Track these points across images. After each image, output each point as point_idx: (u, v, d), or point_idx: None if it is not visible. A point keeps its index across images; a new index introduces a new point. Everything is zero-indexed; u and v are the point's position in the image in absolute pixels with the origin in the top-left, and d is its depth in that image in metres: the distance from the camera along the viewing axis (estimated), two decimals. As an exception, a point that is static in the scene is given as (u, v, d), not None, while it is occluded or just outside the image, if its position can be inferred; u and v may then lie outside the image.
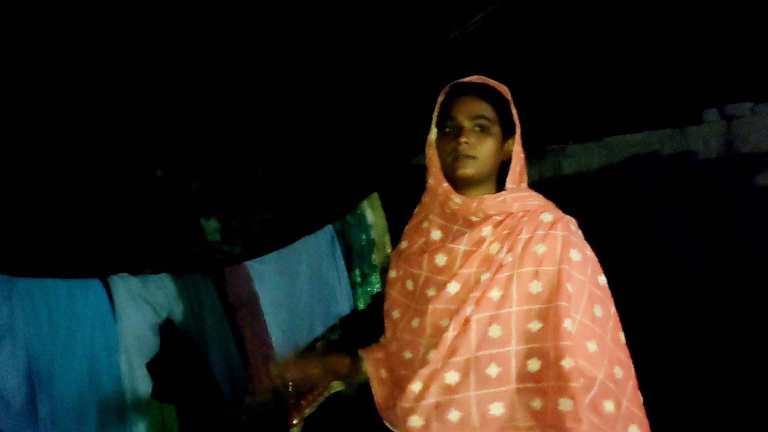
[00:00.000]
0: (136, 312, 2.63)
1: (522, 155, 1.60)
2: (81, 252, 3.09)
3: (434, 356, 1.44)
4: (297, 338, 3.56)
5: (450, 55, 4.26)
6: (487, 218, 1.54)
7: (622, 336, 1.49)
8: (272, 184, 4.51)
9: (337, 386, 4.11)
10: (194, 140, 3.97)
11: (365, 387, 4.22)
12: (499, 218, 1.53)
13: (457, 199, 1.54)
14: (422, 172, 4.97)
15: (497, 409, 1.39)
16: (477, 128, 1.54)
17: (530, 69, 4.13)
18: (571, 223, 1.53)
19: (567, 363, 1.35)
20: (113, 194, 3.43)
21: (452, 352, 1.43)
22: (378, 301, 4.23)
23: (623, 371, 1.43)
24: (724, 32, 3.64)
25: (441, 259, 1.55)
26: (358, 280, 4.10)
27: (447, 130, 1.57)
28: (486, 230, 1.53)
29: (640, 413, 1.44)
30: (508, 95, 1.60)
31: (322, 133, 4.52)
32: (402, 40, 4.07)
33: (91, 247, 3.21)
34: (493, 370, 1.40)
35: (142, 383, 2.62)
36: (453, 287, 1.49)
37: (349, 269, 4.04)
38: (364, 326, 4.29)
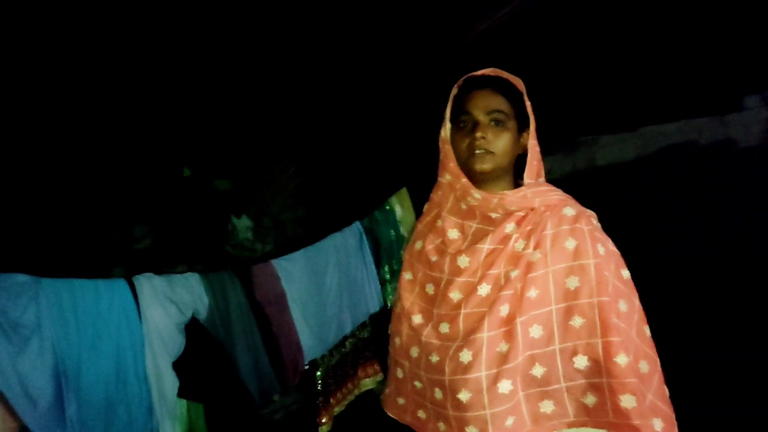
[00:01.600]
0: (161, 311, 2.63)
1: (537, 148, 1.57)
2: (112, 252, 3.11)
3: (472, 359, 1.41)
4: (325, 336, 3.54)
5: (480, 46, 4.19)
6: (507, 215, 1.51)
7: (647, 330, 1.46)
8: (303, 181, 4.50)
9: (368, 384, 4.09)
10: (226, 139, 3.98)
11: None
12: (520, 214, 1.50)
13: (476, 194, 1.51)
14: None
15: (547, 407, 1.41)
16: (493, 123, 1.51)
17: (562, 59, 4.04)
18: (593, 217, 1.51)
19: (621, 360, 1.35)
20: (145, 194, 3.45)
21: (503, 358, 1.40)
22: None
23: (649, 365, 1.41)
24: (765, 15, 3.50)
25: (464, 261, 1.51)
26: (387, 276, 4.06)
27: (462, 125, 1.54)
28: (509, 227, 1.50)
29: (666, 407, 1.42)
30: (522, 88, 1.56)
31: (352, 129, 4.49)
32: (432, 34, 4.02)
33: (122, 247, 3.23)
34: (538, 371, 1.41)
35: (168, 382, 2.63)
36: (484, 289, 1.47)
37: (378, 266, 3.99)
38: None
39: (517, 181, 1.59)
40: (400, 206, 4.19)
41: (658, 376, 1.44)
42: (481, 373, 1.40)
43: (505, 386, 1.39)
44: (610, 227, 1.54)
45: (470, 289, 1.49)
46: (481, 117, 1.52)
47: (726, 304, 3.53)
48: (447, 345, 1.47)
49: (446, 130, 1.58)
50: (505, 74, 1.57)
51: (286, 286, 3.35)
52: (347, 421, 3.83)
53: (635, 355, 1.39)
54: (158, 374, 2.58)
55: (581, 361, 1.39)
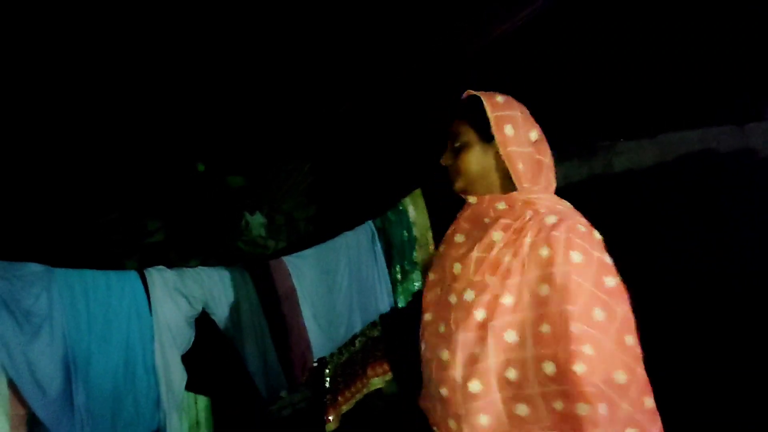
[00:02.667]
0: (172, 304, 2.64)
1: (521, 152, 1.60)
2: (125, 245, 3.13)
3: (449, 358, 1.51)
4: (335, 334, 3.54)
5: (497, 51, 4.18)
6: (496, 220, 1.59)
7: (629, 339, 1.47)
8: (317, 179, 4.51)
9: (377, 384, 4.09)
10: (240, 136, 3.99)
11: (406, 385, 4.17)
12: (506, 221, 1.58)
13: (471, 199, 1.67)
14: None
15: (522, 410, 1.45)
16: (454, 145, 1.66)
17: (582, 63, 4.01)
18: (579, 224, 1.54)
19: (579, 368, 1.38)
20: (159, 188, 3.46)
21: (473, 359, 1.48)
22: (420, 299, 4.17)
23: (627, 375, 1.42)
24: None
25: (457, 268, 1.62)
26: (398, 277, 4.05)
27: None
28: (496, 235, 1.57)
29: (643, 417, 1.43)
30: (485, 102, 1.61)
31: (367, 129, 4.49)
32: (448, 36, 4.01)
33: (135, 240, 3.25)
34: (511, 374, 1.46)
35: (176, 375, 2.64)
36: (469, 295, 1.55)
37: (390, 266, 3.99)
38: (405, 324, 4.25)
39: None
40: (413, 207, 4.19)
41: (637, 388, 1.44)
42: (456, 372, 1.49)
43: (475, 386, 1.47)
44: (625, 233, 1.54)
45: (460, 294, 1.57)
46: (449, 143, 1.68)
47: (742, 314, 3.49)
48: (441, 344, 1.57)
49: None
50: (466, 94, 1.68)
51: (297, 284, 3.35)
52: (355, 420, 3.83)
53: (608, 365, 1.41)
54: (166, 367, 2.59)
55: (550, 368, 1.42)
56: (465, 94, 1.69)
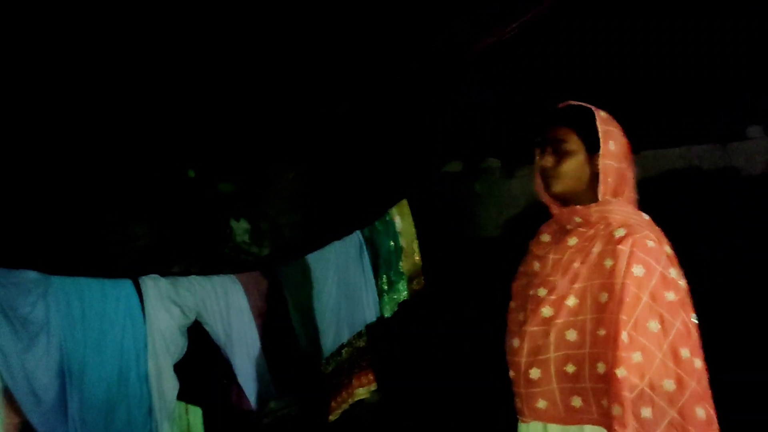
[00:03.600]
0: (165, 313, 2.64)
1: (613, 167, 1.70)
2: (113, 250, 3.11)
3: (518, 346, 1.71)
4: (323, 344, 3.55)
5: (487, 61, 4.23)
6: (575, 228, 1.73)
7: (683, 351, 1.55)
8: (303, 186, 4.52)
9: (362, 394, 4.11)
10: (227, 142, 3.99)
11: (389, 396, 4.18)
12: (582, 229, 1.71)
13: (555, 209, 1.81)
14: (452, 179, 4.95)
15: (576, 402, 1.62)
16: (555, 151, 1.73)
17: (566, 80, 4.08)
18: (648, 239, 1.62)
19: (620, 372, 1.50)
20: (147, 194, 3.44)
21: (537, 350, 1.66)
22: (405, 309, 4.20)
23: (676, 385, 1.51)
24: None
25: (536, 266, 1.79)
26: (385, 287, 4.08)
27: (539, 152, 1.79)
28: (572, 241, 1.72)
29: (693, 426, 1.50)
30: (595, 115, 1.72)
31: (354, 139, 4.51)
32: (436, 47, 4.06)
33: (123, 246, 3.23)
34: (570, 369, 1.62)
35: (169, 383, 2.63)
36: (542, 291, 1.71)
37: (377, 276, 4.01)
38: (391, 334, 4.27)
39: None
40: (400, 217, 4.22)
41: (689, 398, 1.51)
42: (521, 359, 1.69)
43: (535, 373, 1.66)
44: None
45: (536, 289, 1.73)
46: (547, 147, 1.75)
47: (722, 331, 3.57)
48: (516, 331, 1.76)
49: (536, 154, 1.82)
50: (575, 104, 1.76)
51: (287, 292, 3.37)
52: (340, 429, 3.84)
53: (658, 373, 1.52)
54: (159, 376, 2.58)
55: (602, 368, 1.57)
56: (565, 104, 1.77)
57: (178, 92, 3.51)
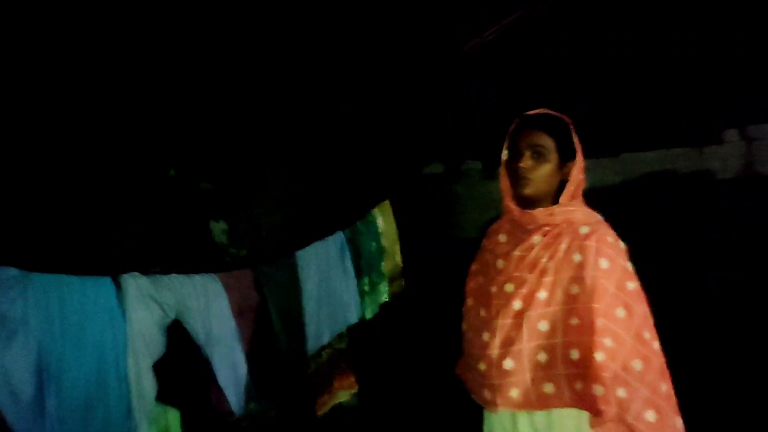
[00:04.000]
0: (146, 311, 2.61)
1: (581, 176, 1.89)
2: (94, 249, 3.08)
3: (488, 339, 1.81)
4: (304, 345, 3.53)
5: (465, 66, 4.27)
6: (538, 228, 1.87)
7: (646, 334, 1.73)
8: (282, 187, 4.51)
9: (343, 396, 4.11)
10: (207, 141, 3.97)
11: (368, 399, 4.19)
12: (547, 229, 1.85)
13: (515, 212, 1.92)
14: (433, 181, 4.99)
15: (549, 388, 1.73)
16: (534, 155, 1.85)
17: (547, 82, 4.12)
18: (608, 235, 1.82)
19: (599, 356, 1.67)
20: (127, 192, 3.42)
21: (509, 341, 1.76)
22: (386, 311, 4.20)
23: (644, 364, 1.69)
24: (747, 53, 3.64)
25: (500, 263, 1.92)
26: (367, 288, 4.07)
27: (513, 155, 1.91)
28: (536, 238, 1.85)
29: (665, 404, 1.68)
30: (570, 124, 1.90)
31: (335, 139, 4.51)
32: (419, 48, 4.08)
33: (103, 243, 3.20)
34: (542, 357, 1.74)
35: (148, 384, 2.60)
36: (509, 287, 1.84)
37: (358, 277, 4.00)
38: (372, 336, 4.27)
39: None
40: (382, 218, 4.22)
41: (654, 375, 1.70)
42: (493, 351, 1.79)
43: (508, 364, 1.76)
44: None
45: (501, 285, 1.87)
46: (525, 150, 1.86)
47: (693, 334, 3.63)
48: (480, 326, 1.89)
49: (504, 157, 1.96)
50: (554, 113, 1.90)
51: (268, 293, 3.35)
52: None
53: (627, 355, 1.68)
54: (138, 375, 2.55)
55: (575, 354, 1.71)
56: (543, 111, 1.90)
57: (159, 91, 3.49)
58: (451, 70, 4.20)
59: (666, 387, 1.71)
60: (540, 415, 1.78)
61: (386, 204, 4.24)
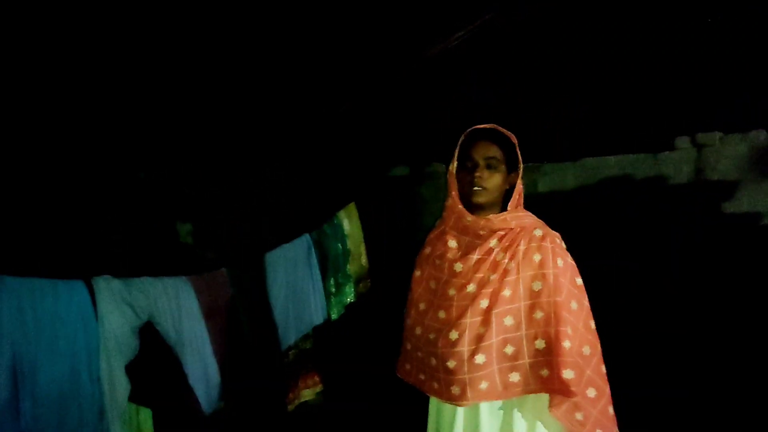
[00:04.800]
0: (118, 314, 2.62)
1: (521, 186, 2.05)
2: (66, 252, 3.07)
3: (458, 337, 1.90)
4: (272, 345, 3.57)
5: (431, 72, 4.35)
6: (491, 233, 2.00)
7: (592, 323, 1.96)
8: (250, 190, 4.53)
9: (307, 395, 4.15)
10: (175, 145, 3.97)
11: (333, 398, 4.23)
12: (501, 233, 2.00)
13: (468, 218, 2.01)
14: (399, 183, 5.07)
15: (515, 377, 1.88)
16: (488, 166, 2.00)
17: (510, 89, 4.24)
18: (557, 237, 2.01)
19: (567, 344, 1.84)
20: (97, 196, 3.41)
21: (480, 338, 1.88)
22: (351, 311, 4.26)
23: (590, 349, 1.91)
24: (698, 65, 3.81)
25: (459, 267, 2.01)
26: (333, 290, 4.12)
27: (466, 165, 2.03)
28: (493, 242, 1.99)
29: (601, 381, 1.93)
30: (515, 140, 2.02)
31: (302, 142, 4.55)
32: (386, 53, 4.14)
33: (75, 246, 3.18)
34: (509, 350, 1.89)
35: (120, 385, 2.61)
36: (471, 287, 1.96)
37: (324, 279, 4.05)
38: (337, 336, 4.32)
39: (504, 209, 2.08)
40: (348, 220, 4.27)
41: (596, 359, 1.93)
42: (464, 348, 1.89)
43: (480, 358, 1.89)
44: None
45: (461, 287, 1.98)
46: (480, 161, 2.00)
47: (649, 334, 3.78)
48: (441, 327, 1.97)
49: (453, 167, 2.05)
50: (501, 129, 2.03)
51: (236, 294, 3.37)
52: (288, 430, 3.87)
53: (580, 342, 1.89)
54: (111, 377, 2.56)
55: (540, 344, 1.88)
56: (492, 126, 2.02)
57: (129, 94, 3.49)
58: (416, 74, 4.28)
59: (604, 368, 1.94)
60: (499, 404, 1.94)
61: (352, 206, 4.29)
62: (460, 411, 1.98)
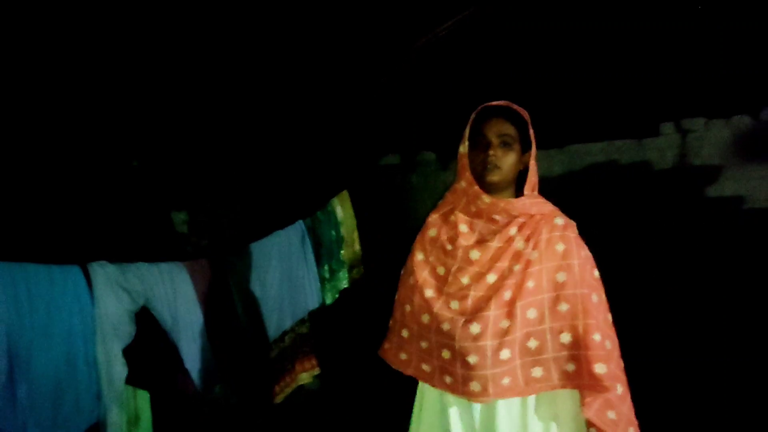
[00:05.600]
0: (114, 298, 2.68)
1: (536, 167, 1.92)
2: (62, 238, 3.11)
3: (480, 331, 1.78)
4: (266, 330, 3.63)
5: (421, 61, 4.39)
6: (510, 219, 1.87)
7: (610, 317, 1.86)
8: (244, 178, 4.57)
9: (305, 378, 4.21)
10: (169, 133, 4.01)
11: (329, 381, 4.28)
12: (521, 220, 1.87)
13: (486, 199, 1.87)
14: (390, 171, 5.10)
15: (537, 372, 1.78)
16: (502, 144, 1.86)
17: (497, 76, 4.27)
18: (575, 226, 1.89)
19: (597, 336, 1.75)
20: (90, 183, 3.44)
21: (504, 332, 1.78)
22: (345, 296, 4.32)
23: (611, 344, 1.80)
24: (682, 52, 3.85)
25: (475, 254, 1.88)
26: (327, 275, 4.17)
27: (478, 144, 1.88)
28: (513, 230, 1.86)
29: (623, 375, 1.83)
30: (528, 118, 1.89)
31: (295, 131, 4.59)
32: (376, 43, 4.18)
33: (70, 232, 3.23)
34: (532, 344, 1.78)
35: (117, 369, 2.67)
36: (491, 277, 1.84)
37: (318, 265, 4.11)
38: (332, 321, 4.38)
39: (517, 192, 1.93)
40: (341, 208, 4.32)
41: (617, 353, 1.83)
42: (487, 342, 1.77)
43: (505, 354, 1.77)
44: None
45: (479, 277, 1.85)
46: (494, 139, 1.85)
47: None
48: (457, 318, 1.82)
49: (465, 147, 1.91)
50: (514, 106, 1.89)
51: (232, 280, 3.44)
52: (284, 414, 3.93)
53: (603, 335, 1.78)
54: (108, 361, 2.62)
55: (566, 338, 1.77)
56: (506, 103, 1.90)
57: (123, 83, 3.52)
58: (406, 64, 4.32)
59: (622, 363, 1.85)
60: (517, 402, 1.83)
61: (345, 194, 4.33)
62: (477, 408, 1.84)
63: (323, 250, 4.15)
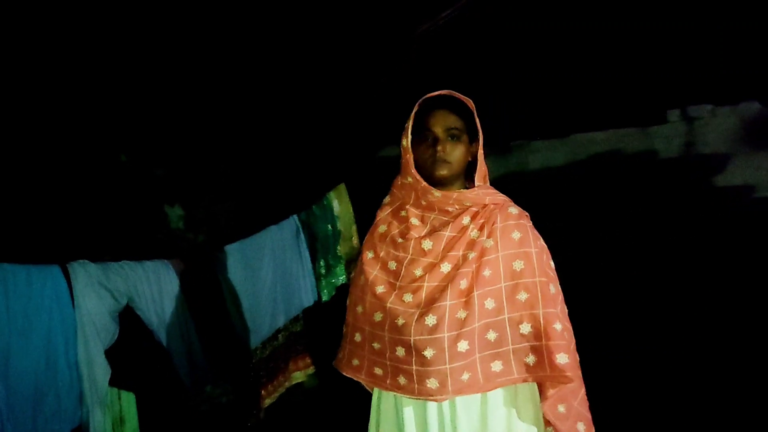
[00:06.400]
0: (95, 298, 2.60)
1: (483, 156, 1.88)
2: (42, 237, 3.04)
3: (436, 322, 1.72)
4: (259, 329, 3.55)
5: (421, 50, 4.29)
6: (463, 209, 1.84)
7: (565, 308, 1.82)
8: (238, 173, 4.49)
9: (299, 377, 4.12)
10: (161, 127, 3.93)
11: (327, 379, 4.21)
12: (474, 209, 1.84)
13: (436, 193, 1.82)
14: (389, 164, 4.99)
15: (497, 366, 1.72)
16: (450, 137, 1.82)
17: (498, 66, 4.18)
18: (529, 216, 1.87)
19: (558, 326, 1.72)
20: (78, 179, 3.38)
21: (461, 323, 1.72)
22: (343, 293, 4.23)
23: (568, 335, 1.77)
24: (688, 37, 3.74)
25: (427, 244, 1.83)
26: (323, 271, 4.09)
27: (424, 137, 1.83)
28: (466, 219, 1.83)
29: (579, 371, 1.78)
30: (473, 107, 1.84)
31: (291, 123, 4.51)
32: (372, 33, 4.09)
33: (52, 232, 3.16)
34: (491, 336, 1.73)
35: (100, 370, 2.59)
36: (445, 267, 1.78)
37: (314, 260, 4.02)
38: (328, 318, 4.30)
39: (465, 183, 1.92)
40: (338, 201, 4.23)
41: (574, 345, 1.78)
42: (444, 334, 1.70)
43: (463, 345, 1.70)
44: (538, 227, 1.81)
45: (432, 267, 1.79)
46: (441, 133, 1.81)
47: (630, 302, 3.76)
48: (411, 311, 1.76)
49: (408, 141, 1.84)
50: (458, 95, 1.84)
51: (221, 277, 3.35)
52: (277, 414, 3.86)
53: (563, 326, 1.75)
54: (90, 362, 2.54)
55: (526, 328, 1.73)
56: (448, 92, 1.84)
57: (111, 76, 3.45)
58: (404, 54, 4.22)
59: (578, 357, 1.80)
60: (477, 398, 1.76)
61: (342, 187, 4.24)
62: (433, 408, 1.76)
63: (319, 246, 4.06)
